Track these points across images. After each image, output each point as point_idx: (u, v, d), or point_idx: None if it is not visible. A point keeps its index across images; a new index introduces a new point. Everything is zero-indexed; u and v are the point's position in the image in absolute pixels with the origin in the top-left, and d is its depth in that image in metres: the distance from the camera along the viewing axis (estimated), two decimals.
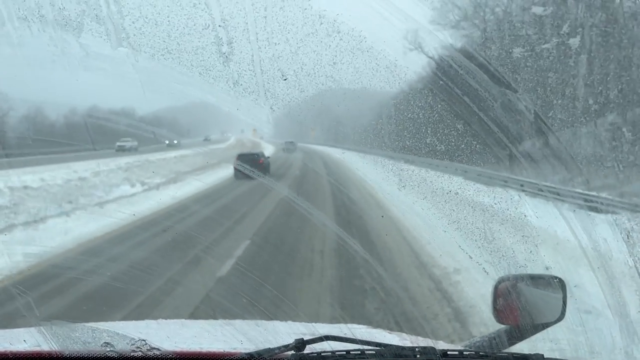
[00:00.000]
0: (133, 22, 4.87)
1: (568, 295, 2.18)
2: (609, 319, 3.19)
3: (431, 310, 6.93)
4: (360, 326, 2.66)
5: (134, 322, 2.52)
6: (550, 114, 17.34)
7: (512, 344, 2.04)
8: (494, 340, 2.04)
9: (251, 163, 24.43)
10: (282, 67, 5.07)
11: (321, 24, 5.21)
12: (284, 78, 4.98)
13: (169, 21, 5.08)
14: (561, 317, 2.10)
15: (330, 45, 5.21)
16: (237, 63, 4.68)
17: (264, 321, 2.61)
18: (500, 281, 2.12)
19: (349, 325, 2.54)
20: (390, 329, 4.32)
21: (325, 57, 5.29)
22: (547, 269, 5.38)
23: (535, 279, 2.18)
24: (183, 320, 3.15)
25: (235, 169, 22.60)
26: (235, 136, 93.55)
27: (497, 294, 2.09)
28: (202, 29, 4.79)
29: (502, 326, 2.11)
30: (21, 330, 2.13)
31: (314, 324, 2.51)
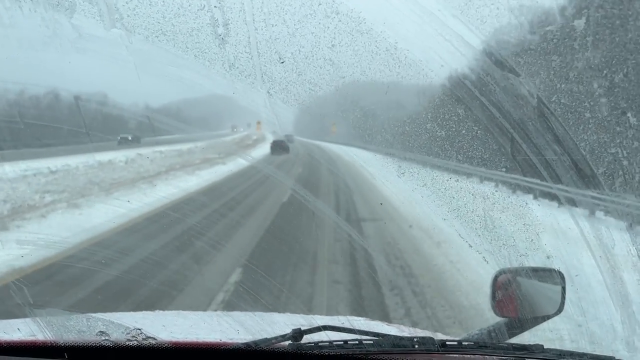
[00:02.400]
0: (127, 2, 4.78)
1: (569, 284, 2.16)
2: (610, 309, 3.13)
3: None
4: (359, 318, 2.65)
5: (131, 313, 2.51)
6: (553, 99, 17.23)
7: (511, 335, 2.01)
8: (493, 333, 2.03)
9: (279, 145, 42.67)
10: (280, 50, 4.98)
11: (320, 4, 5.11)
12: (281, 61, 4.89)
13: (163, 1, 4.99)
14: (560, 309, 2.08)
15: (328, 27, 5.11)
16: (233, 45, 4.60)
17: (261, 313, 2.59)
18: (499, 273, 2.10)
19: (348, 317, 2.53)
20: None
21: (324, 40, 5.20)
22: (548, 257, 5.32)
23: (535, 271, 2.17)
24: (180, 311, 3.14)
25: (271, 147, 42.63)
26: (246, 130, 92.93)
27: (496, 286, 2.07)
28: (198, 10, 4.70)
29: (501, 318, 2.09)
30: (17, 320, 2.11)
31: (312, 315, 2.51)
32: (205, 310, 6.95)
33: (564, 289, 2.10)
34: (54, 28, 4.71)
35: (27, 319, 1.94)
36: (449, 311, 6.95)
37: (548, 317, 2.12)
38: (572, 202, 9.61)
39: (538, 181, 17.19)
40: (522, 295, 2.09)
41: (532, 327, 2.09)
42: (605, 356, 1.78)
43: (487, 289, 2.11)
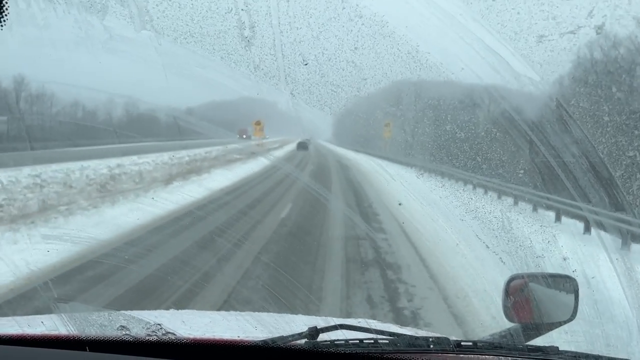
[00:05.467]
0: (157, 5, 4.89)
1: (585, 286, 2.17)
2: (626, 311, 3.18)
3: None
4: (374, 321, 2.68)
5: (151, 310, 2.57)
6: (572, 102, 17.13)
7: (526, 339, 2.03)
8: (508, 336, 2.04)
9: (302, 144, 56.15)
10: (304, 52, 5.07)
11: (343, 8, 5.20)
12: (305, 63, 4.98)
13: (192, 4, 5.09)
14: (573, 316, 2.08)
15: (352, 30, 5.19)
16: (258, 47, 4.69)
17: (278, 313, 2.64)
18: (511, 278, 2.11)
19: (365, 320, 2.57)
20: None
21: (347, 42, 5.28)
22: (564, 259, 5.35)
23: (548, 277, 2.17)
24: (198, 310, 3.21)
25: (297, 145, 56.19)
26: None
27: (508, 291, 2.08)
28: (225, 13, 4.80)
29: (513, 324, 2.10)
30: (41, 315, 2.17)
31: (329, 317, 2.53)
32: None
33: (577, 295, 2.09)
34: (87, 29, 4.84)
35: (52, 315, 2.00)
36: (462, 314, 7.00)
37: (560, 324, 2.11)
38: (590, 205, 9.61)
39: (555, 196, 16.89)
40: (534, 300, 2.08)
41: (544, 333, 2.07)
42: (620, 359, 1.77)
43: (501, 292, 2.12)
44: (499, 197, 19.34)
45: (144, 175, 23.58)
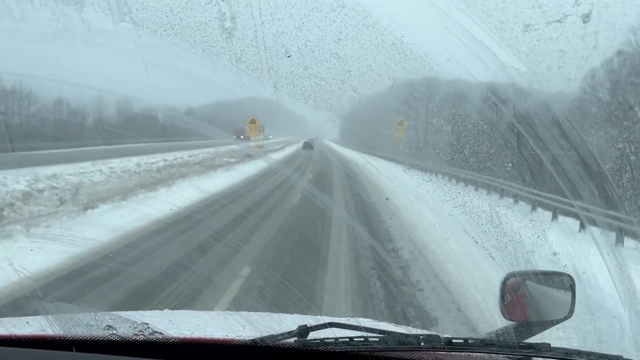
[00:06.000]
0: None
1: (576, 282, 2.15)
2: (618, 307, 3.13)
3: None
4: (367, 319, 2.65)
5: (139, 311, 2.53)
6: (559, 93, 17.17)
7: (520, 339, 2.00)
8: (501, 335, 2.02)
9: (307, 144, 62.07)
10: (286, 44, 4.97)
11: None
12: (288, 55, 4.88)
13: None
14: (570, 313, 2.07)
15: (334, 21, 5.10)
16: (240, 39, 4.60)
17: (268, 313, 2.62)
18: (508, 277, 2.09)
19: (356, 318, 2.55)
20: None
21: (330, 33, 5.18)
22: (554, 254, 5.31)
23: (544, 275, 2.16)
24: (188, 310, 3.18)
25: (303, 145, 62.55)
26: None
27: (505, 289, 2.06)
28: (205, 4, 4.70)
29: (510, 322, 2.09)
30: (27, 316, 2.15)
31: (319, 316, 2.53)
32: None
33: (573, 293, 2.09)
34: (64, 22, 4.72)
35: (38, 316, 1.97)
36: (455, 312, 6.95)
37: (557, 321, 2.11)
38: (580, 199, 9.58)
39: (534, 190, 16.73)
40: (531, 298, 2.08)
41: (541, 331, 2.08)
42: (613, 355, 1.76)
43: (494, 289, 2.11)
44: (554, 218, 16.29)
45: (80, 191, 18.09)
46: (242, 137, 50.27)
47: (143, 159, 28.31)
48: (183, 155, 34.17)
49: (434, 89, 38.02)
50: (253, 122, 43.44)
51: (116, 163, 25.04)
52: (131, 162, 26.54)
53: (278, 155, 43.34)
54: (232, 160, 34.13)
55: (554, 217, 15.72)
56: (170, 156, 32.43)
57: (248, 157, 33.25)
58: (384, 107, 47.82)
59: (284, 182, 20.67)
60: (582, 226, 12.83)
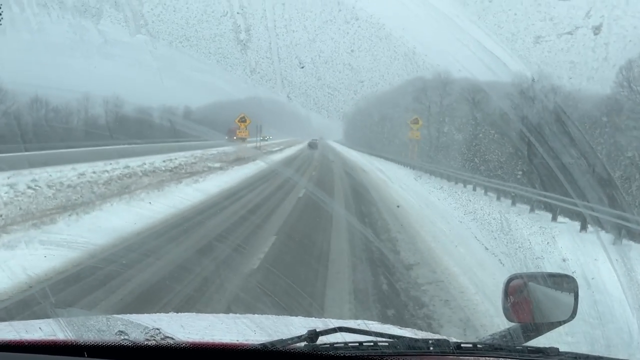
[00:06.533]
0: (152, 9, 4.88)
1: (585, 288, 2.16)
2: (626, 312, 3.16)
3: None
4: (374, 322, 2.67)
5: (147, 314, 2.55)
6: (570, 102, 17.17)
7: (526, 339, 2.02)
8: (508, 336, 2.03)
9: (312, 143, 67.52)
10: (300, 55, 5.06)
11: (340, 10, 5.18)
12: (301, 66, 4.97)
13: (187, 8, 5.09)
14: (573, 315, 2.07)
15: (348, 33, 5.18)
16: (254, 51, 4.68)
17: (276, 316, 2.63)
18: (511, 278, 2.10)
19: (364, 321, 2.55)
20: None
21: (343, 45, 5.27)
22: (564, 260, 5.33)
23: (548, 277, 2.16)
24: (196, 313, 3.19)
25: (308, 144, 68.37)
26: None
27: (508, 291, 2.07)
28: (220, 16, 4.79)
29: (513, 324, 2.10)
30: (39, 320, 2.14)
31: (328, 319, 2.52)
32: None
33: (577, 294, 2.07)
34: (81, 34, 4.83)
35: (49, 319, 1.98)
36: (463, 314, 6.95)
37: (560, 323, 2.09)
38: (590, 207, 9.60)
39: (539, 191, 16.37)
40: (534, 300, 2.08)
41: (544, 333, 2.07)
42: (621, 359, 1.78)
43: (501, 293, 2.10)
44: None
45: None
46: (234, 137, 43.44)
47: (99, 166, 23.15)
48: (156, 161, 28.45)
49: (446, 92, 35.84)
50: (243, 120, 36.86)
51: (55, 172, 19.62)
52: (76, 171, 20.89)
53: (274, 158, 38.79)
54: (216, 165, 29.35)
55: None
56: (140, 161, 26.63)
57: (237, 161, 29.78)
58: (392, 105, 45.72)
59: (265, 203, 15.28)
60: (583, 227, 12.52)
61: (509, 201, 17.26)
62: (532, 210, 16.60)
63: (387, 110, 48.12)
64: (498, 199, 18.51)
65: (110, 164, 23.98)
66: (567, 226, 13.52)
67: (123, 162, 25.05)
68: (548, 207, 15.59)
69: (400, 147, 40.75)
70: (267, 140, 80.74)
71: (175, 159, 30.74)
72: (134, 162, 25.64)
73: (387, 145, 46.84)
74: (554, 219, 14.97)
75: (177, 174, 23.41)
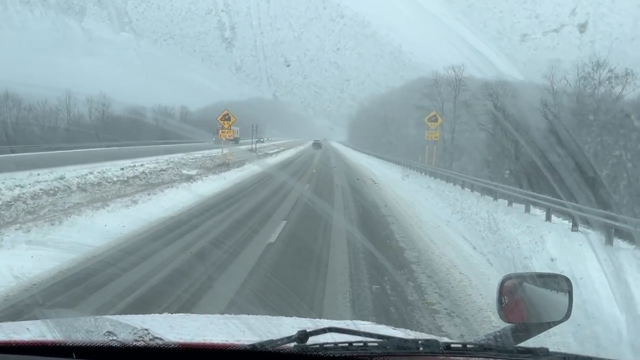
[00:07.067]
0: (136, 6, 4.84)
1: (573, 287, 2.17)
2: (615, 312, 3.15)
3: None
4: (365, 322, 2.67)
5: (139, 315, 2.55)
6: (557, 102, 17.25)
7: (517, 341, 2.02)
8: (499, 338, 2.03)
9: (316, 144, 75.71)
10: (285, 53, 5.03)
11: (325, 8, 5.16)
12: (287, 64, 4.93)
13: (171, 5, 5.04)
14: (567, 315, 2.08)
15: (333, 31, 5.16)
16: (239, 49, 4.66)
17: (267, 316, 2.63)
18: (505, 279, 2.11)
19: (354, 321, 2.55)
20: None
21: (329, 43, 5.23)
22: (552, 260, 5.33)
23: (541, 277, 2.17)
24: (188, 314, 3.19)
25: (312, 144, 76.86)
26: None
27: (502, 291, 2.07)
28: (205, 14, 4.76)
29: (508, 324, 2.10)
30: (27, 321, 2.16)
31: (318, 319, 2.53)
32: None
33: (571, 295, 2.10)
34: (65, 31, 4.75)
35: (37, 321, 1.97)
36: (453, 318, 6.94)
37: (555, 323, 2.12)
38: (577, 207, 9.63)
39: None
40: (528, 301, 2.08)
41: (539, 333, 2.09)
42: (611, 359, 1.78)
43: (492, 293, 2.11)
44: None
45: None
46: (223, 139, 37.70)
47: (18, 178, 18.25)
48: (113, 168, 23.81)
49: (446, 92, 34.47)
50: (227, 118, 30.68)
51: None
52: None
53: (270, 162, 34.81)
54: (193, 172, 24.54)
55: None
56: (83, 170, 21.78)
57: (221, 167, 25.46)
58: (399, 105, 43.96)
59: (231, 234, 10.62)
60: (574, 225, 12.56)
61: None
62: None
63: (395, 110, 46.95)
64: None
65: (39, 174, 19.53)
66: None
67: (61, 170, 20.64)
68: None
69: (414, 149, 35.02)
70: (263, 141, 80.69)
71: (142, 165, 25.94)
72: (80, 171, 21.09)
73: (395, 147, 41.92)
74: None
75: (130, 186, 18.70)
